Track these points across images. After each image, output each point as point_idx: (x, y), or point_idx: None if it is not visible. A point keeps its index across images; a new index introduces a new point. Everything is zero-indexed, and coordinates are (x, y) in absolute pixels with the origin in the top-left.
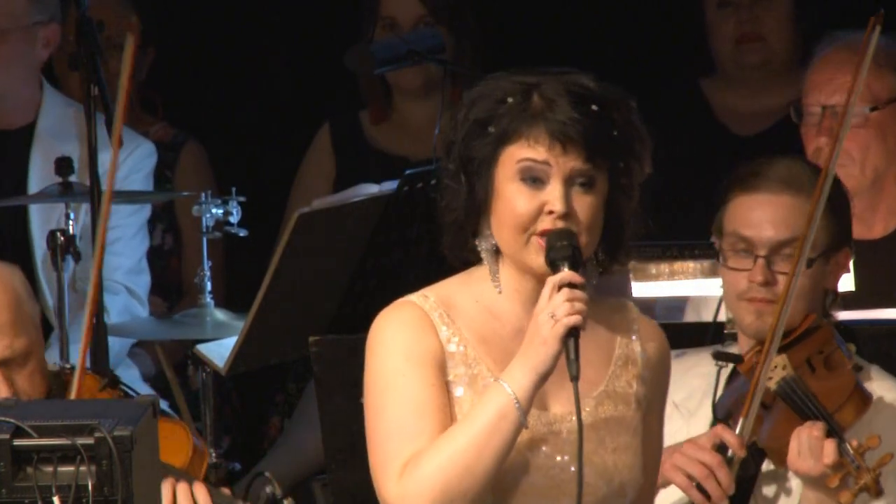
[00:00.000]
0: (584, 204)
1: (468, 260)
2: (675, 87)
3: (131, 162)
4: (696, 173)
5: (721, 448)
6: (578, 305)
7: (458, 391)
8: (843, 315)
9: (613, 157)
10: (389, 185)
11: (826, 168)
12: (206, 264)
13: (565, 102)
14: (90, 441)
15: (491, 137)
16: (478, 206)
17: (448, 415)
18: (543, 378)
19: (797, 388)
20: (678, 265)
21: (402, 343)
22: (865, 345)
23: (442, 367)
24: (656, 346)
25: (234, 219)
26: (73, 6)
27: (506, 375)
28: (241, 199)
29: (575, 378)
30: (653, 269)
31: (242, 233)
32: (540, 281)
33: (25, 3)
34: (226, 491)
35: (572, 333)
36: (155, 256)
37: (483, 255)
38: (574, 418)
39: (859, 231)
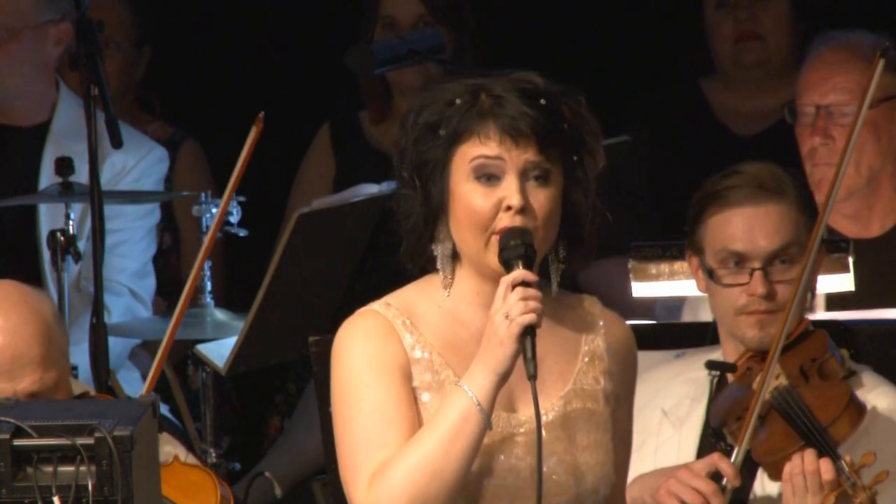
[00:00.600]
0: (540, 198)
1: (426, 269)
2: (675, 87)
3: (142, 167)
4: (696, 173)
5: (716, 476)
6: (532, 304)
7: (425, 397)
8: (843, 315)
9: (566, 150)
10: (389, 185)
11: (835, 175)
12: (206, 264)
13: (514, 98)
14: (90, 441)
15: (442, 139)
16: (434, 211)
17: (415, 422)
18: (503, 378)
19: (791, 399)
20: (678, 265)
21: (366, 353)
22: (865, 345)
23: (407, 375)
24: (621, 339)
25: (234, 219)
26: (74, 6)
27: (466, 379)
28: (241, 199)
29: (532, 377)
30: (653, 269)
31: (242, 233)
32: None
33: (35, 2)
34: None
35: (528, 332)
36: (154, 255)
37: (438, 260)
38: (542, 419)
39: (856, 230)
